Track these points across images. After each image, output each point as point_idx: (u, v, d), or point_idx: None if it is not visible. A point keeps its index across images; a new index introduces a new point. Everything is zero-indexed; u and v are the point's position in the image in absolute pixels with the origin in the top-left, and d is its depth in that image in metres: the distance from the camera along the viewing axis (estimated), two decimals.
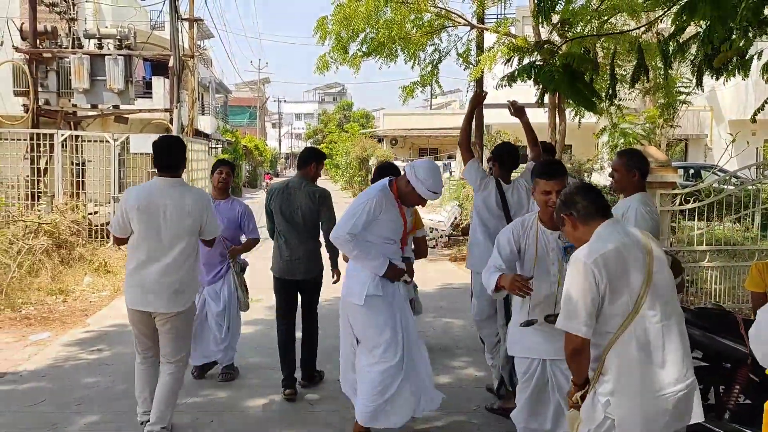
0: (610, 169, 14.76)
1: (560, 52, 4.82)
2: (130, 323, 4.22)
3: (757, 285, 3.71)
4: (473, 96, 5.57)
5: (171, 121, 13.67)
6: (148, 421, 4.10)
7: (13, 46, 13.58)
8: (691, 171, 19.03)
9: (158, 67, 22.34)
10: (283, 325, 5.17)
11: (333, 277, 5.20)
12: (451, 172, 24.45)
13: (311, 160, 5.16)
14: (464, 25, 12.36)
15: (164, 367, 4.15)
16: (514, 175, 5.04)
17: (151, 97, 21.41)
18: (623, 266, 2.64)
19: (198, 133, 22.30)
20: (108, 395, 5.04)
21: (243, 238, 5.60)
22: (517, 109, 5.00)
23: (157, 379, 4.16)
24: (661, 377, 2.60)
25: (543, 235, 3.52)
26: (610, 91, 5.03)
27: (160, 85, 21.73)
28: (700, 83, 5.08)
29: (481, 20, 12.66)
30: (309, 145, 70.95)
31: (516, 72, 4.73)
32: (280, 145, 70.76)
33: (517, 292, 3.29)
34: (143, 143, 12.54)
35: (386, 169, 5.01)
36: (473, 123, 5.44)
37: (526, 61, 5.60)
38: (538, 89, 8.42)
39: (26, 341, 6.60)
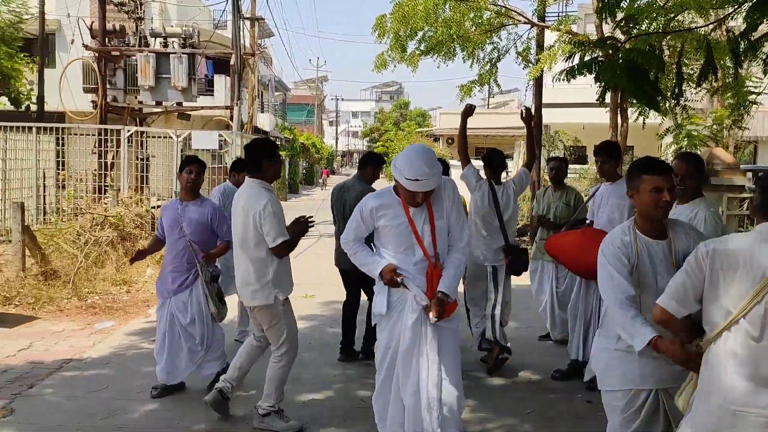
0: None
1: (623, 49, 4.68)
2: None
3: None
4: (464, 110, 5.74)
5: (231, 118, 13.96)
6: (223, 387, 4.44)
7: (83, 44, 14.13)
8: (760, 174, 18.21)
9: (219, 65, 22.86)
10: (346, 305, 5.92)
11: None
12: (507, 172, 24.14)
13: (368, 164, 5.85)
14: (524, 23, 12.19)
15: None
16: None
17: (212, 95, 21.94)
18: (737, 271, 2.37)
19: (257, 131, 22.71)
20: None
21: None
22: (527, 117, 5.62)
23: (253, 361, 4.54)
24: (746, 392, 2.34)
25: (645, 245, 3.01)
26: (676, 90, 4.86)
27: (221, 82, 22.26)
28: None
29: (541, 18, 12.44)
30: (365, 143, 71.59)
31: (576, 67, 4.62)
32: (336, 142, 71.38)
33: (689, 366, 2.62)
34: (205, 139, 12.87)
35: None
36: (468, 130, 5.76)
37: (587, 58, 5.47)
38: (599, 88, 8.22)
39: (91, 329, 6.87)
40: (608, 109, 12.28)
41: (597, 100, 6.05)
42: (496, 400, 4.96)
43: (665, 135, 14.42)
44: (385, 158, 39.38)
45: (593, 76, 4.66)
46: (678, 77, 4.80)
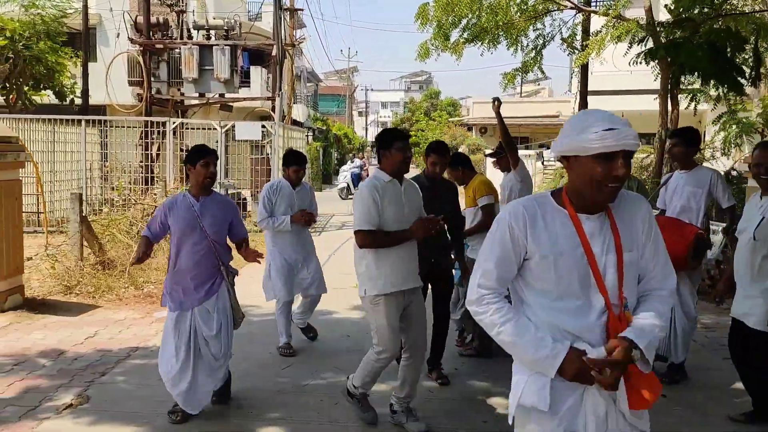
0: (723, 160, 13.97)
1: (705, 28, 4.54)
2: None
3: None
4: (494, 108, 5.47)
5: (273, 109, 14.00)
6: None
7: (129, 37, 14.29)
8: None
9: (255, 56, 22.97)
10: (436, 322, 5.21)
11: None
12: (543, 162, 23.87)
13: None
14: (571, 8, 11.97)
15: None
16: None
17: (249, 86, 22.06)
18: None
19: (294, 122, 22.78)
20: (236, 373, 5.22)
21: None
22: (497, 107, 5.46)
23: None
24: None
25: None
26: (753, 73, 4.70)
27: (257, 74, 22.35)
28: None
29: (587, 3, 12.21)
30: None
31: (651, 50, 4.46)
32: (366, 133, 71.34)
33: None
34: (248, 130, 12.93)
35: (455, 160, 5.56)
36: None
37: (647, 44, 5.28)
38: (657, 74, 7.99)
39: (151, 318, 6.95)
40: (656, 96, 12.04)
41: (662, 90, 5.86)
42: None
43: (717, 122, 14.10)
44: (416, 148, 39.24)
45: (670, 59, 4.50)
46: (756, 59, 4.63)
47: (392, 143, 3.98)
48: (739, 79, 4.41)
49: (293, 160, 5.81)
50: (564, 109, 32.98)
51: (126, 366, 5.36)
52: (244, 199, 13.90)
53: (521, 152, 20.92)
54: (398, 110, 75.86)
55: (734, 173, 10.49)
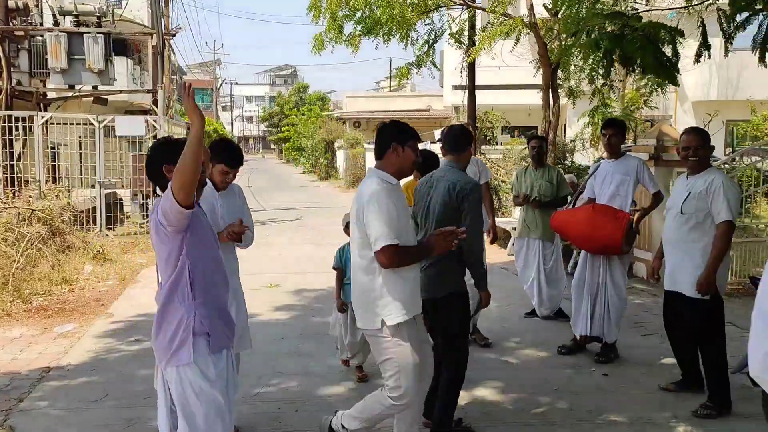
0: (591, 150, 14.90)
1: (642, 23, 4.81)
2: None
3: None
4: None
5: (155, 103, 13.15)
6: None
7: None
8: None
9: (119, 46, 21.43)
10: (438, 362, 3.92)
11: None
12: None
13: (466, 142, 4.11)
14: (459, 4, 12.28)
15: None
16: None
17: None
18: None
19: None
20: None
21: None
22: None
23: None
24: None
25: None
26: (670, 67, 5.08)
27: (122, 65, 20.87)
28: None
29: None
30: (263, 127, 70.10)
31: (594, 42, 4.63)
32: (232, 127, 69.42)
33: None
34: (130, 126, 12.03)
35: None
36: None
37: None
38: (537, 67, 8.38)
39: (52, 333, 6.27)
40: (539, 90, 12.68)
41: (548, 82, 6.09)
42: (520, 379, 4.99)
43: (587, 115, 15.14)
44: (288, 143, 38.35)
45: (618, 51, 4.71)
46: (674, 53, 4.98)
47: (408, 140, 3.37)
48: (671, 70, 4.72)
49: (226, 154, 3.88)
50: (435, 103, 33.97)
51: (45, 390, 4.78)
52: (120, 199, 12.97)
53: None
54: (264, 104, 74.49)
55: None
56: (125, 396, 4.65)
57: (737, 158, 8.69)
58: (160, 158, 2.90)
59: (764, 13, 4.99)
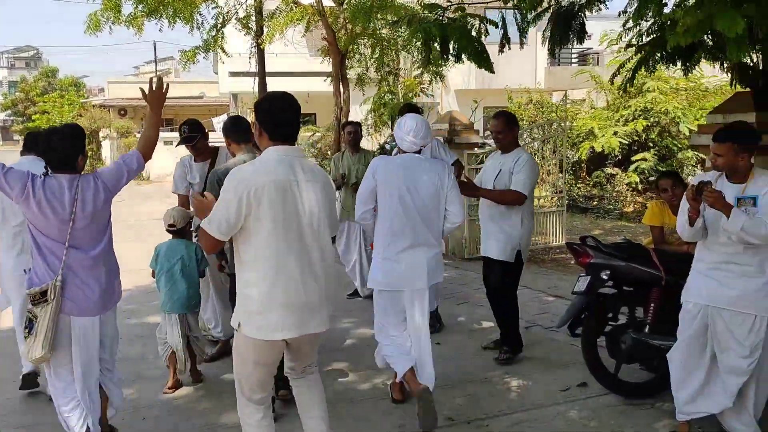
0: (377, 136, 15.76)
1: (461, 14, 5.18)
2: (255, 364, 2.98)
3: (656, 220, 4.58)
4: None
5: None
6: None
7: None
8: None
9: None
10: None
11: None
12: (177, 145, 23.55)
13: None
14: None
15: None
16: None
17: None
18: None
19: None
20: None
21: None
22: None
23: None
24: None
25: None
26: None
27: None
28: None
29: None
30: (5, 116, 61.66)
31: (425, 29, 4.85)
32: None
33: None
34: None
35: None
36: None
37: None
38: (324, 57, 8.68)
39: None
40: (327, 78, 12.96)
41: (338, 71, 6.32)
42: (366, 360, 5.14)
43: (368, 102, 15.82)
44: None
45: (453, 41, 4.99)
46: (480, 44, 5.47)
47: None
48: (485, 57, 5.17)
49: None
50: (209, 90, 32.83)
51: None
52: None
53: (167, 134, 20.09)
54: (4, 90, 65.66)
55: (387, 146, 12.10)
56: None
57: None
58: None
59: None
